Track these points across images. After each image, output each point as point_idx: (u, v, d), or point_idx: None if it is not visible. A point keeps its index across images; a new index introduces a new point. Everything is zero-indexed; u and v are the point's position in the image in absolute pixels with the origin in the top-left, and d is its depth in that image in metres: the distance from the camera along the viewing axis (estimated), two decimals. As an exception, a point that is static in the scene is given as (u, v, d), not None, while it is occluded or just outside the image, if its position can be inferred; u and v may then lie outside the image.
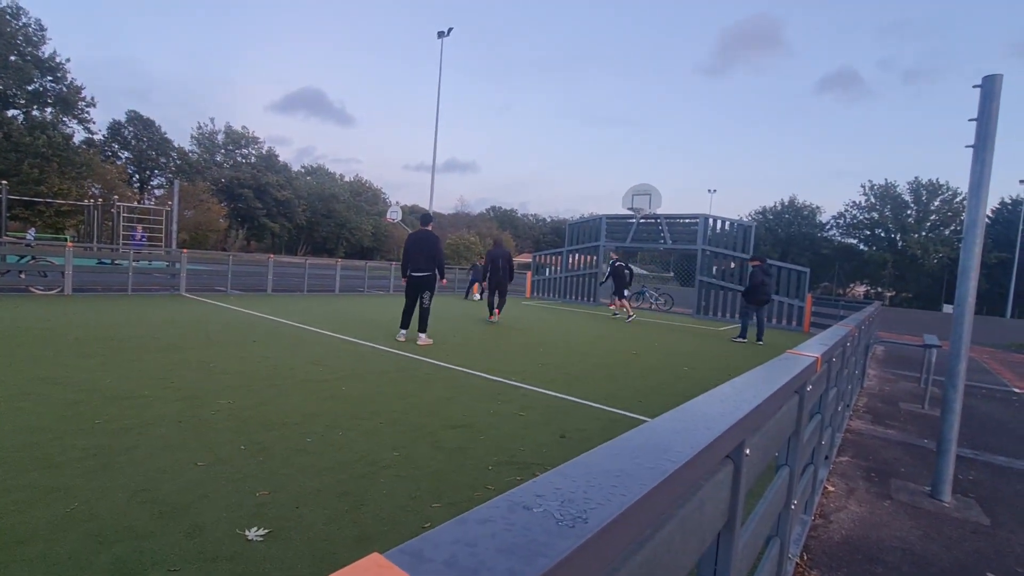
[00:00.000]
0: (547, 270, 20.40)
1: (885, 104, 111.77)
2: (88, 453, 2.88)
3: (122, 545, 2.06)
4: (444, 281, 7.66)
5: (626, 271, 14.00)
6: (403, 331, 7.59)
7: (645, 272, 33.48)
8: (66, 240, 20.03)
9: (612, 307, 14.89)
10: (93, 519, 2.23)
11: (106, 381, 4.29)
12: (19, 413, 3.42)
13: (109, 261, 14.39)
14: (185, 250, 12.79)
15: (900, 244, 58.70)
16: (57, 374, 4.39)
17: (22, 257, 10.63)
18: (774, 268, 11.35)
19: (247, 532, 2.21)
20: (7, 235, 18.30)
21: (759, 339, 10.73)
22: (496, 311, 11.01)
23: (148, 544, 2.09)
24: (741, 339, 10.76)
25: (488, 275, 11.17)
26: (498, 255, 11.08)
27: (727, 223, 16.59)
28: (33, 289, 10.12)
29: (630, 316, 13.68)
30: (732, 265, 16.03)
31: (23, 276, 10.28)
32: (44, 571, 1.88)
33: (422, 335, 7.35)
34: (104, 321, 7.33)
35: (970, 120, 3.35)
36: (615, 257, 14.44)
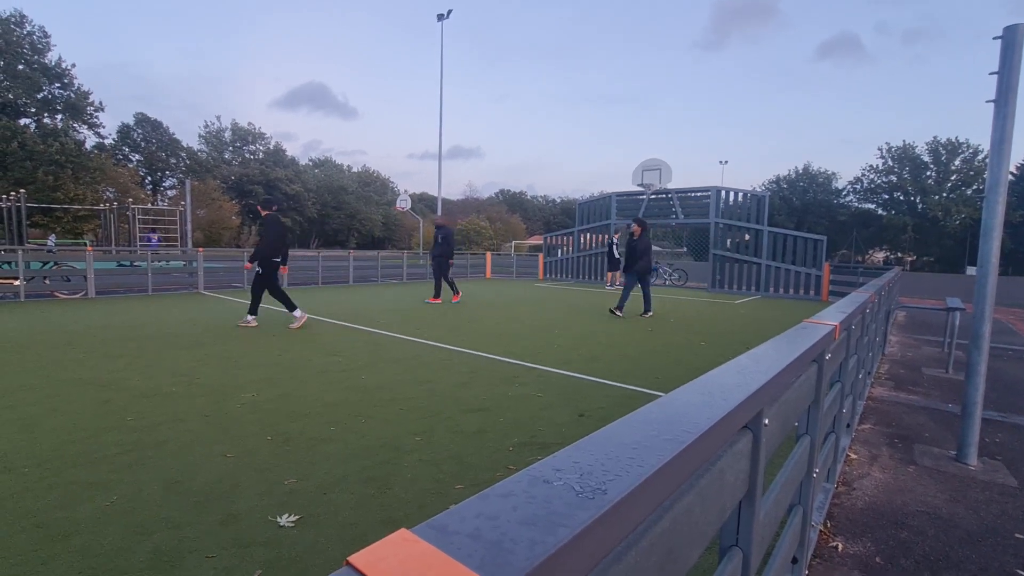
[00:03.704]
0: (559, 251, 20.32)
1: (890, 66, 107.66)
2: (122, 449, 2.98)
3: (161, 535, 2.15)
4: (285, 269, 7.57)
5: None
6: (298, 311, 7.37)
7: (658, 248, 33.13)
8: (85, 244, 20.45)
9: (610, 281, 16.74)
10: (132, 511, 2.32)
11: (134, 379, 4.41)
12: (54, 414, 3.54)
13: (128, 263, 14.68)
14: (200, 249, 13.00)
15: (920, 207, 57.14)
16: (86, 375, 4.53)
17: (45, 263, 10.89)
18: (647, 236, 9.68)
19: (279, 519, 2.28)
20: (28, 242, 18.74)
21: (648, 310, 9.54)
22: (448, 295, 11.06)
23: (185, 533, 2.17)
24: (619, 311, 9.38)
25: (445, 254, 10.75)
26: (452, 232, 11.17)
27: (740, 194, 16.31)
28: (57, 294, 10.39)
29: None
30: (747, 237, 15.81)
31: (47, 282, 10.54)
32: (89, 562, 1.96)
33: (249, 317, 7.40)
34: (127, 322, 7.51)
35: (991, 74, 3.22)
36: (617, 236, 16.79)
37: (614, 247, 16.59)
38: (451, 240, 10.95)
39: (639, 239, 9.47)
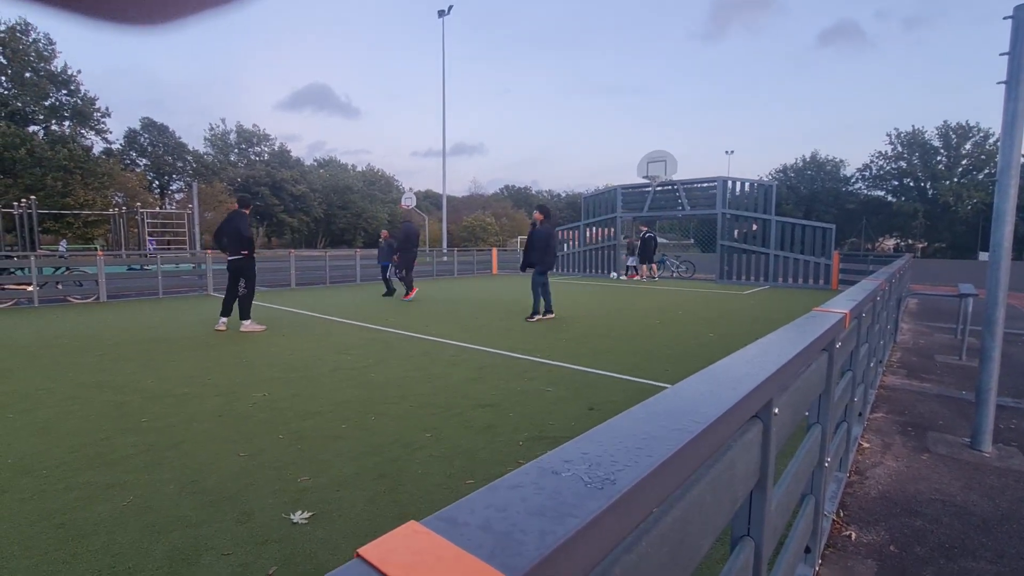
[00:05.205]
0: (565, 245, 20.26)
1: (892, 52, 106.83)
2: (138, 450, 3.02)
3: (177, 534, 2.18)
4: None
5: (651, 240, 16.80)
6: (223, 319, 7.01)
7: (665, 240, 33.00)
8: (96, 249, 20.67)
9: (639, 276, 17.03)
10: (148, 511, 2.35)
11: (147, 382, 4.46)
12: (70, 417, 3.59)
13: (139, 266, 14.83)
14: (209, 251, 13.08)
15: (931, 192, 56.37)
16: (101, 378, 4.59)
17: (57, 269, 11.03)
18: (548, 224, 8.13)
19: (292, 516, 2.31)
20: (40, 248, 18.97)
21: (549, 311, 8.23)
22: (413, 289, 10.82)
23: (201, 531, 2.19)
24: (539, 317, 8.13)
25: (404, 252, 10.66)
26: (414, 231, 10.88)
27: (747, 184, 16.17)
28: (70, 298, 10.51)
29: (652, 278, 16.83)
30: (754, 227, 15.69)
31: (60, 287, 10.67)
32: (108, 561, 2.00)
33: (245, 322, 6.99)
34: (139, 324, 7.59)
35: (1001, 54, 3.17)
36: (645, 229, 16.97)
37: (654, 238, 16.64)
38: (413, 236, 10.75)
39: (540, 228, 7.97)
